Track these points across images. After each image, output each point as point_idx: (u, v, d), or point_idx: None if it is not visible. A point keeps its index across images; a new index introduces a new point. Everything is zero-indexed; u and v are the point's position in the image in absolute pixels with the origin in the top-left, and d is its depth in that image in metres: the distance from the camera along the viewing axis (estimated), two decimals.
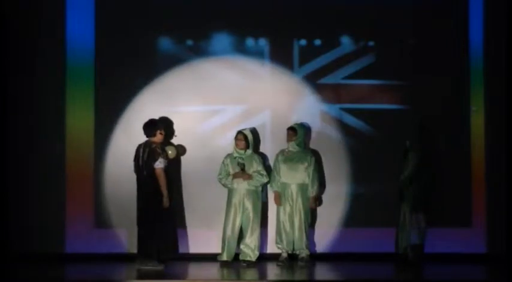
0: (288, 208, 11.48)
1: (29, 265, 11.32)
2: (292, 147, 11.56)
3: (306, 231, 11.48)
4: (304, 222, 11.47)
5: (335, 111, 11.99)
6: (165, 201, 10.95)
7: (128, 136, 11.78)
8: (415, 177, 11.43)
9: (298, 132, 11.57)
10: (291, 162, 11.52)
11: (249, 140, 11.47)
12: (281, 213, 11.50)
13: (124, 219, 11.66)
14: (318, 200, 11.71)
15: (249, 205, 11.39)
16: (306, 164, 11.52)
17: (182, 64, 11.95)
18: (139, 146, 11.13)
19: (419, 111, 11.92)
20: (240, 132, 11.48)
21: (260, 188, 11.53)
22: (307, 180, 11.52)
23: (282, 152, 11.61)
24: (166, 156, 11.07)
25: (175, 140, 11.69)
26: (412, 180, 11.42)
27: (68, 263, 11.51)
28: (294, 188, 11.50)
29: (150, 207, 10.92)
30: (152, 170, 10.92)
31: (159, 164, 10.93)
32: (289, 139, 11.56)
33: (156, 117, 11.41)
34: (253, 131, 11.73)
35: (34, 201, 11.74)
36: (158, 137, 11.10)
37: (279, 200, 11.53)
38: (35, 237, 11.70)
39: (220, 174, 11.45)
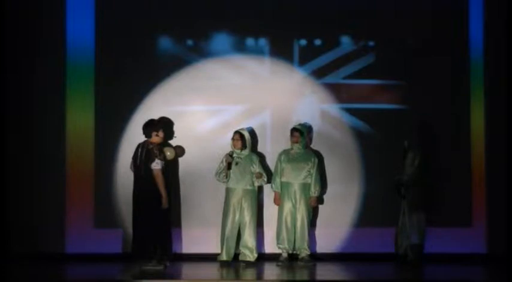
0: (290, 207, 11.50)
1: (29, 265, 11.32)
2: (297, 148, 11.57)
3: (307, 231, 11.49)
4: (306, 222, 11.49)
5: (335, 111, 11.99)
6: (164, 202, 10.95)
7: (127, 136, 11.79)
8: (415, 177, 11.43)
9: (304, 133, 11.59)
10: (295, 162, 11.54)
11: (246, 139, 11.48)
12: (283, 212, 11.52)
13: (124, 219, 11.67)
14: (318, 200, 11.73)
15: (246, 205, 11.40)
16: (310, 165, 11.54)
17: (182, 64, 11.96)
18: (139, 145, 11.14)
19: (419, 111, 11.93)
20: (236, 132, 11.49)
21: (257, 188, 11.55)
22: (310, 180, 11.53)
23: (286, 152, 11.61)
24: (163, 158, 11.07)
25: (175, 141, 11.68)
26: (413, 180, 11.43)
27: (68, 263, 11.51)
28: (297, 188, 11.52)
29: (149, 208, 10.92)
30: (150, 170, 10.93)
31: (156, 165, 10.93)
32: (294, 140, 11.56)
33: (156, 117, 11.42)
34: (251, 131, 11.73)
35: (34, 201, 11.75)
36: (155, 138, 11.10)
37: (279, 200, 11.55)
38: (35, 237, 11.70)
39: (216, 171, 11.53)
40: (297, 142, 11.57)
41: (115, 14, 11.96)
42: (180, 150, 11.70)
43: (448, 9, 12.06)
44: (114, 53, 11.90)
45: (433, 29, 12.02)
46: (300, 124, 11.73)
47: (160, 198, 10.93)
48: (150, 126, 11.13)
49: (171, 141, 11.65)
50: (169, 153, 11.28)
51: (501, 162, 11.90)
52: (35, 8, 11.90)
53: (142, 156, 11.01)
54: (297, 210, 11.51)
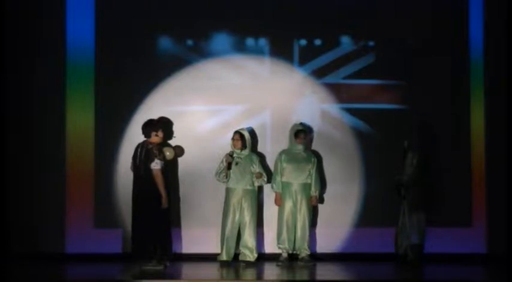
0: (291, 206, 11.50)
1: (29, 265, 11.32)
2: (299, 148, 11.57)
3: (308, 231, 11.50)
4: (307, 222, 11.49)
5: (335, 111, 11.99)
6: (164, 202, 10.95)
7: (127, 136, 11.79)
8: (415, 177, 11.44)
9: (307, 133, 11.60)
10: (296, 163, 11.54)
11: (246, 139, 11.48)
12: (284, 212, 11.52)
13: (124, 219, 11.67)
14: (318, 199, 11.73)
15: (247, 205, 11.39)
16: (310, 165, 11.55)
17: (182, 64, 11.96)
18: (138, 145, 11.14)
19: (419, 111, 11.93)
20: (236, 132, 11.50)
21: (257, 188, 11.55)
22: (310, 180, 11.54)
23: (286, 152, 11.61)
24: (163, 158, 11.07)
25: (174, 141, 11.68)
26: (413, 180, 11.43)
27: (68, 263, 11.51)
28: (297, 188, 11.52)
29: (148, 208, 10.91)
30: (149, 170, 10.93)
31: (156, 165, 10.92)
32: (299, 141, 11.55)
33: (156, 117, 11.42)
34: (251, 131, 11.74)
35: (34, 201, 11.75)
36: (154, 138, 11.10)
37: (280, 201, 11.55)
38: (35, 237, 11.71)
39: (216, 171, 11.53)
40: (300, 143, 11.57)
41: (115, 14, 11.96)
42: (179, 150, 11.70)
43: (448, 9, 12.06)
44: (114, 53, 11.90)
45: (433, 29, 12.02)
46: (301, 124, 11.73)
47: (160, 198, 10.93)
48: (149, 126, 11.13)
49: (170, 141, 11.65)
50: (168, 153, 11.28)
51: (501, 162, 11.90)
52: (35, 8, 11.90)
53: (142, 156, 11.01)
54: (298, 211, 11.51)
